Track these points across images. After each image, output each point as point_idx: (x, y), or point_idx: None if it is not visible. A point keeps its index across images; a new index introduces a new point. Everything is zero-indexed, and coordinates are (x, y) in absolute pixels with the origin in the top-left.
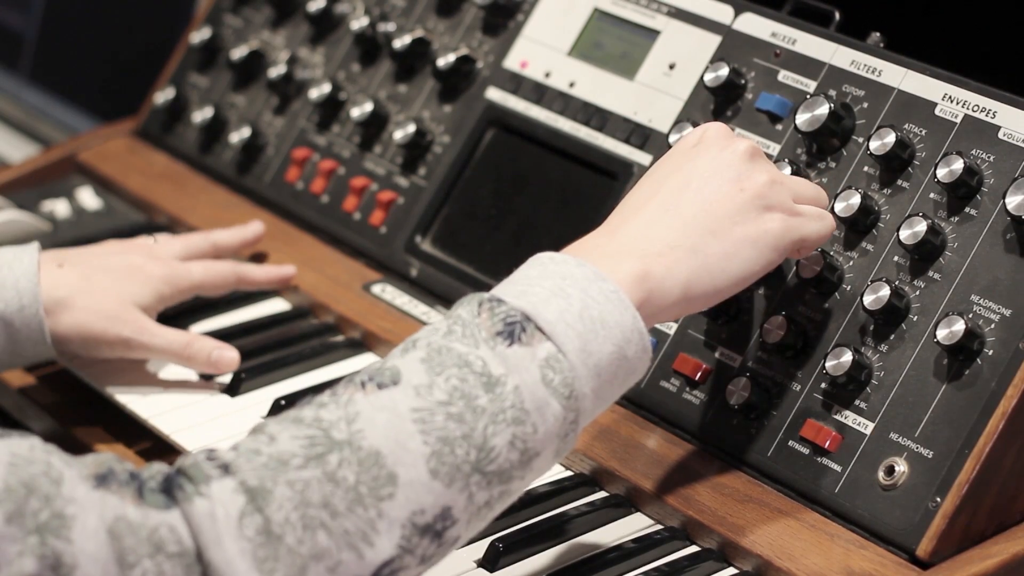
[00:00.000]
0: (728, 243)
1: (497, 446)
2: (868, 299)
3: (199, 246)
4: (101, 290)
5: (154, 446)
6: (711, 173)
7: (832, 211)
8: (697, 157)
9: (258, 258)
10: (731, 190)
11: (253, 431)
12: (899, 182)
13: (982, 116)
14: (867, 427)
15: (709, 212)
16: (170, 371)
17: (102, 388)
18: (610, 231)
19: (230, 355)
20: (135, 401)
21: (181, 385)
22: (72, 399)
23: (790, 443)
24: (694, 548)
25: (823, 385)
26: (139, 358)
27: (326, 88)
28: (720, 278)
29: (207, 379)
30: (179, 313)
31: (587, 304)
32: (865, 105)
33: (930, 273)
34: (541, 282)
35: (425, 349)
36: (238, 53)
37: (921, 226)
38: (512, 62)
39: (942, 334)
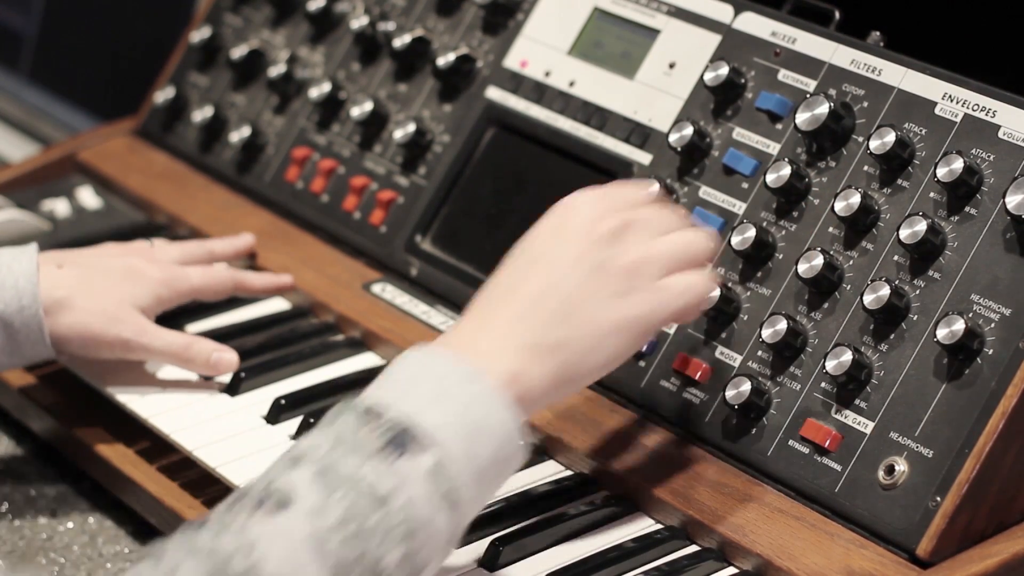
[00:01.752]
0: (592, 336)
1: (390, 565)
2: (868, 298)
3: (196, 253)
4: (100, 291)
5: (153, 445)
6: (573, 262)
7: (832, 210)
8: (561, 243)
9: (258, 257)
10: (592, 280)
11: (152, 557)
12: (899, 181)
13: (982, 115)
14: (867, 426)
15: (572, 305)
16: (170, 371)
17: (102, 388)
18: (480, 324)
19: (229, 357)
20: (135, 400)
21: (181, 385)
22: (72, 399)
23: (790, 443)
24: (694, 548)
25: (823, 385)
26: (138, 359)
27: (326, 87)
28: (586, 368)
29: (207, 379)
30: (179, 312)
31: (468, 406)
32: (865, 104)
33: (930, 272)
34: (420, 384)
35: (314, 465)
36: (238, 52)
37: (921, 225)
38: (512, 61)
39: (942, 333)
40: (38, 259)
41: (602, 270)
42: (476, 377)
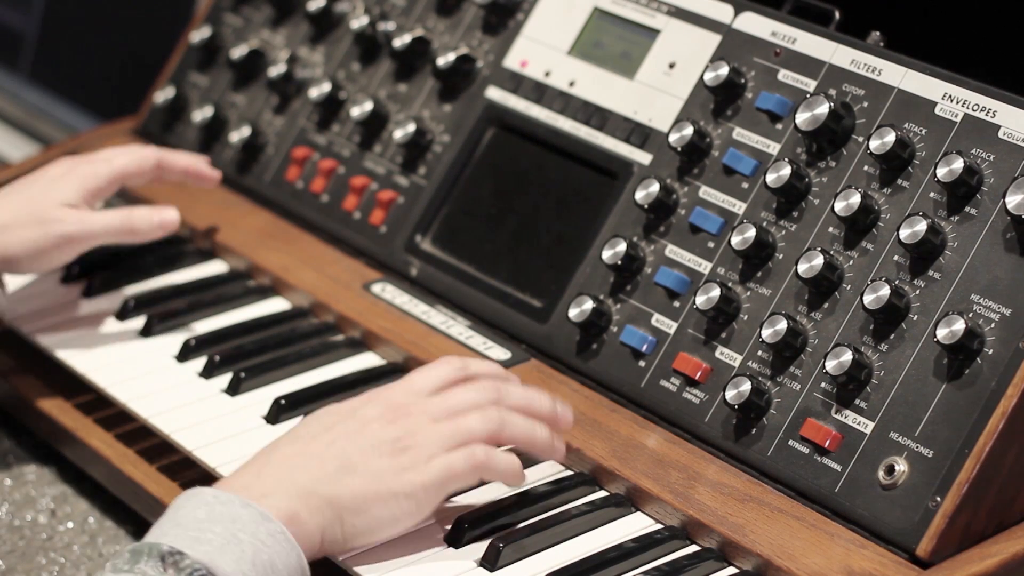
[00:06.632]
0: (359, 501)
1: None
2: (868, 298)
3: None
4: (30, 202)
5: (148, 439)
6: (357, 432)
7: (832, 210)
8: (358, 411)
9: (259, 256)
10: (372, 452)
11: None
12: (899, 181)
13: (982, 115)
14: (867, 426)
15: (347, 468)
16: (162, 360)
17: (104, 389)
18: (262, 466)
19: (171, 214)
20: (136, 400)
21: (180, 383)
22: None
23: (790, 443)
24: (694, 548)
25: (823, 385)
26: (88, 248)
27: (326, 87)
28: (352, 530)
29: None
30: (177, 312)
31: (258, 549)
32: (865, 104)
33: (930, 272)
34: (212, 527)
35: None
36: (238, 52)
37: (921, 225)
38: (512, 61)
39: (942, 333)
40: None
41: (383, 446)
42: (265, 518)
